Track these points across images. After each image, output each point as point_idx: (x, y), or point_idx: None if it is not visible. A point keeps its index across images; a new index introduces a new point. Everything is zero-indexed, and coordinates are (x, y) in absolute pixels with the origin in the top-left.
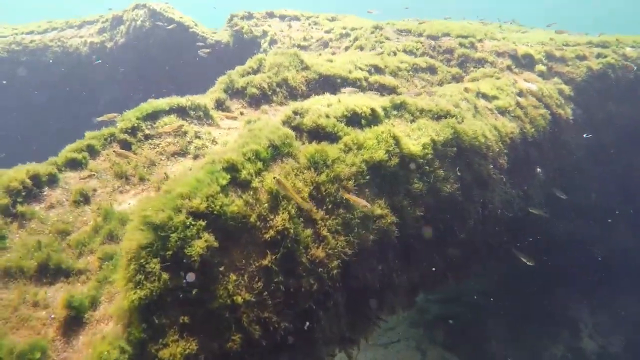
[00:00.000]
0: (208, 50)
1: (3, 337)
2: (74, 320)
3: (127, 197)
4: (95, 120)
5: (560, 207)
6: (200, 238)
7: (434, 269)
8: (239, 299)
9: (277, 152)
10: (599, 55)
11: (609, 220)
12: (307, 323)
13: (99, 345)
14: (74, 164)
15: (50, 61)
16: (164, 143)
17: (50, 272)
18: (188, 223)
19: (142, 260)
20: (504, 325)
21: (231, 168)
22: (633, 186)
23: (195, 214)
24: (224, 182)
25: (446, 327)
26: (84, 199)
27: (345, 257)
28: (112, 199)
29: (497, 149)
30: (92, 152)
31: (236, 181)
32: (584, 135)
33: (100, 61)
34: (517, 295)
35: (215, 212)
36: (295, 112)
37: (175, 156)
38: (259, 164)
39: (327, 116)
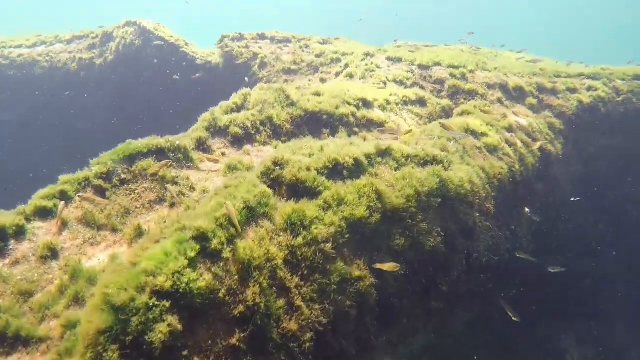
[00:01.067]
0: (199, 74)
1: None
2: None
3: (97, 250)
4: None
5: (548, 241)
6: (164, 321)
7: (415, 324)
8: None
9: (252, 214)
10: (589, 88)
11: (599, 249)
12: None
13: None
14: (44, 213)
15: (38, 76)
16: (140, 189)
17: (8, 341)
18: (151, 304)
19: (99, 348)
20: (490, 356)
21: (201, 237)
22: (622, 218)
23: (160, 294)
24: (193, 254)
25: (431, 357)
26: (51, 253)
27: (319, 328)
28: (81, 252)
29: (484, 194)
30: (65, 198)
31: (206, 251)
32: (572, 199)
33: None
34: (504, 326)
35: (181, 290)
36: (275, 163)
37: (152, 204)
38: (232, 230)
39: (308, 169)
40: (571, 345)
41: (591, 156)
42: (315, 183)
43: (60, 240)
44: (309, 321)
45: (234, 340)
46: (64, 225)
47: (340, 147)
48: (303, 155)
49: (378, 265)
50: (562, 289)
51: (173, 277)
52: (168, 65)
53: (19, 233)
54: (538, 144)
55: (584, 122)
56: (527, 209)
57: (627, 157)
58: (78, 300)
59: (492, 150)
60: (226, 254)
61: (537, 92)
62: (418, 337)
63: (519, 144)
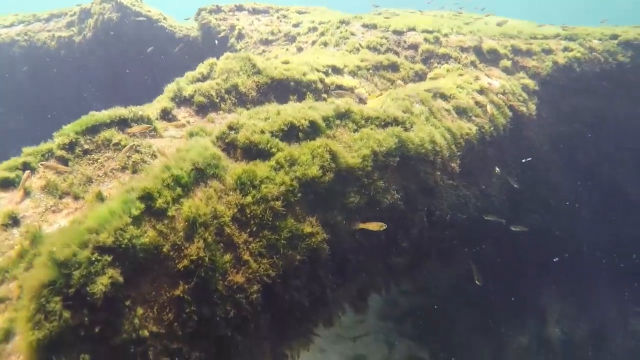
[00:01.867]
0: (180, 46)
1: None
2: None
3: (59, 217)
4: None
5: (523, 199)
6: (105, 274)
7: (374, 278)
8: (145, 332)
9: (201, 175)
10: (565, 49)
11: (576, 209)
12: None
13: None
14: (6, 184)
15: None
16: (103, 158)
17: None
18: (93, 259)
19: (42, 300)
20: (472, 316)
21: (147, 197)
22: (599, 179)
23: (102, 249)
24: (137, 212)
25: (415, 320)
26: (12, 221)
27: (268, 280)
28: (43, 219)
29: (448, 154)
30: (28, 169)
31: (151, 210)
32: (523, 160)
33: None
34: (486, 286)
35: (123, 245)
36: (230, 128)
37: (114, 172)
38: (179, 190)
39: (262, 131)
40: (552, 301)
41: (566, 116)
42: (269, 145)
43: (22, 208)
44: (257, 274)
45: (177, 292)
46: (27, 194)
47: (297, 110)
48: (259, 119)
49: (362, 225)
50: (541, 249)
51: (115, 234)
52: (146, 39)
53: None
54: (509, 104)
55: (559, 82)
56: (497, 169)
57: (602, 117)
58: None
59: (461, 112)
60: (171, 212)
61: (512, 55)
62: (397, 299)
63: (489, 105)
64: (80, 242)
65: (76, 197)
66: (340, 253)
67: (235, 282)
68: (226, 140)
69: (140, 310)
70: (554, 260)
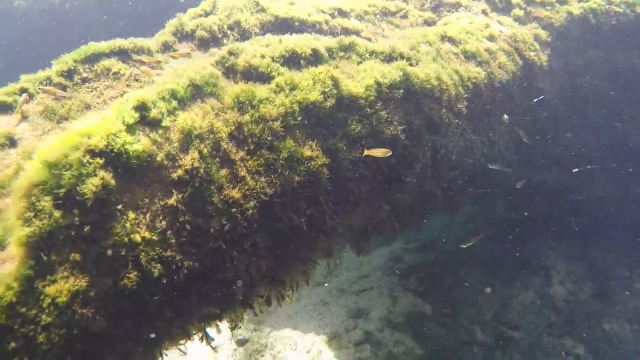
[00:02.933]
0: None
1: None
2: None
3: None
4: None
5: (533, 154)
6: (96, 176)
7: (378, 213)
8: (137, 237)
9: (198, 92)
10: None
11: (586, 165)
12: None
13: None
14: (4, 108)
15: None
16: (102, 87)
17: None
18: (84, 161)
19: (32, 198)
20: (476, 272)
21: (142, 107)
22: (609, 135)
23: (94, 152)
24: (131, 120)
25: (419, 275)
26: (9, 142)
27: (265, 198)
28: (40, 141)
29: (455, 93)
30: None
31: (146, 120)
32: (534, 100)
33: None
34: (492, 243)
35: (115, 150)
36: (230, 53)
37: (113, 100)
38: (174, 103)
39: (263, 56)
40: (558, 262)
41: (579, 69)
42: (269, 69)
43: (19, 130)
44: (254, 191)
45: (171, 201)
46: (24, 118)
47: (300, 39)
48: (260, 46)
49: (367, 152)
50: (549, 205)
51: (108, 138)
52: None
53: None
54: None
55: (573, 34)
56: (505, 116)
57: (615, 70)
58: None
59: (470, 56)
60: (166, 122)
61: (525, 4)
62: (402, 255)
63: (500, 52)
64: (71, 145)
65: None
66: (340, 181)
67: (231, 196)
68: (226, 65)
69: (132, 215)
70: (561, 212)
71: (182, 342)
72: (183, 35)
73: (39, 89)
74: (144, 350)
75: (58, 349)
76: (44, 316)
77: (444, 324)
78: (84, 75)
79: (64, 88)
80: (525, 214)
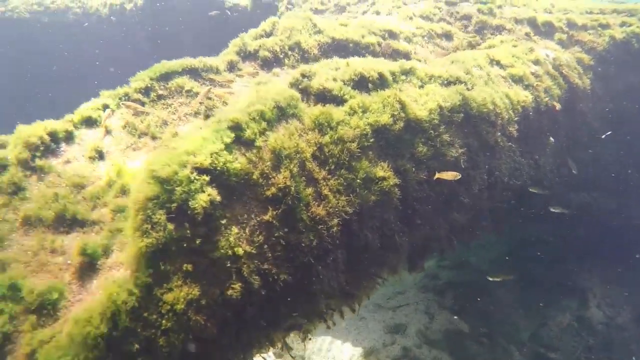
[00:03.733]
0: (216, 12)
1: (24, 278)
2: (88, 266)
3: (139, 154)
4: None
5: (575, 178)
6: (204, 192)
7: (438, 231)
8: (240, 251)
9: (282, 113)
10: (623, 24)
11: (624, 189)
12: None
13: (109, 287)
14: (89, 122)
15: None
16: (176, 104)
17: (66, 222)
18: (192, 177)
19: (148, 211)
20: (512, 292)
21: (236, 127)
22: None
23: (200, 170)
24: (229, 140)
25: (455, 293)
26: (98, 155)
27: (345, 216)
28: (125, 156)
29: (507, 117)
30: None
31: (240, 140)
32: (603, 136)
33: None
34: (528, 264)
35: (218, 168)
36: (303, 75)
37: (187, 116)
38: (264, 124)
39: (335, 79)
40: (595, 285)
41: (620, 93)
42: (342, 92)
43: (105, 144)
44: (336, 209)
45: (267, 217)
46: (108, 132)
47: (365, 62)
48: (330, 69)
49: (438, 175)
50: (586, 228)
51: (211, 157)
52: (197, 8)
53: (69, 138)
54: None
55: (615, 58)
56: (552, 139)
57: None
58: (124, 192)
59: (517, 80)
60: (259, 142)
61: (567, 28)
62: (437, 272)
63: (545, 76)
64: (179, 162)
65: (153, 137)
66: (408, 201)
67: (318, 214)
68: (300, 87)
69: (235, 230)
70: (598, 236)
71: (265, 350)
72: (246, 55)
73: (122, 103)
74: (244, 356)
75: (177, 352)
76: (164, 321)
77: (481, 342)
78: (159, 92)
79: (141, 104)
80: (561, 235)
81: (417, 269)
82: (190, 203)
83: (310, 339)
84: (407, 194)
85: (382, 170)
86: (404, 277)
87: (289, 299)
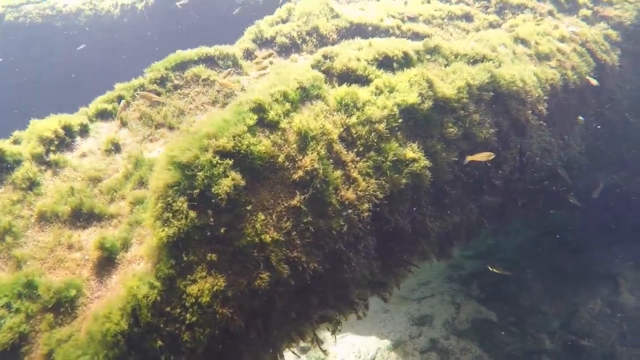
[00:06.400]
0: (238, 10)
1: (41, 275)
2: (107, 261)
3: (156, 145)
4: None
5: (604, 158)
6: (227, 176)
7: (469, 215)
8: (267, 238)
9: (305, 94)
10: None
11: None
12: (337, 264)
13: (129, 281)
14: (104, 115)
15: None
16: (193, 93)
17: (83, 217)
18: (215, 162)
19: (169, 199)
20: (540, 280)
21: (258, 109)
22: None
23: (222, 153)
24: (251, 122)
25: (481, 282)
26: (114, 147)
27: (376, 200)
28: (142, 147)
29: (537, 95)
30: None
31: (264, 122)
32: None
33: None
34: (554, 251)
35: (242, 151)
36: (325, 56)
37: (205, 105)
38: (287, 105)
39: (358, 59)
40: (625, 269)
41: None
42: (366, 71)
43: (121, 136)
44: (366, 192)
45: (294, 202)
46: (124, 124)
47: (388, 42)
48: (352, 49)
49: (470, 158)
50: (615, 211)
51: (234, 139)
52: (207, 2)
53: (84, 131)
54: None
55: None
56: (581, 118)
57: None
58: (142, 184)
59: (544, 57)
60: (283, 124)
61: (592, 4)
62: (462, 262)
63: (572, 53)
64: (200, 147)
65: (171, 128)
66: (438, 184)
67: (347, 198)
68: (322, 68)
69: (261, 216)
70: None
71: (295, 345)
72: (262, 42)
73: (137, 94)
74: (273, 351)
75: (202, 348)
76: (188, 315)
77: (510, 332)
78: (175, 82)
79: (157, 94)
80: (590, 218)
81: (446, 255)
82: (213, 189)
83: (340, 330)
84: (437, 177)
85: (412, 151)
86: (430, 267)
87: (319, 289)
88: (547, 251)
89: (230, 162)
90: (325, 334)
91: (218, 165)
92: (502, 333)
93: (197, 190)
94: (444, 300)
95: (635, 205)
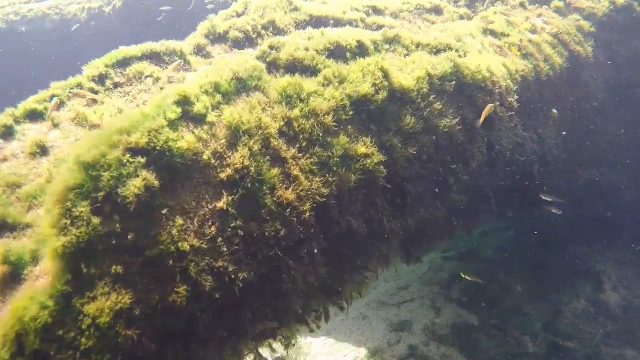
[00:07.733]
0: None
1: None
2: (13, 277)
3: None
4: None
5: (581, 153)
6: (138, 176)
7: (434, 214)
8: (186, 246)
9: (242, 85)
10: None
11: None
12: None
13: (18, 301)
14: (34, 116)
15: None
16: (135, 91)
17: None
18: (124, 160)
19: (68, 203)
20: (522, 280)
21: (184, 101)
22: None
23: (134, 150)
24: (173, 115)
25: (462, 285)
26: (41, 150)
27: (320, 199)
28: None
29: (505, 85)
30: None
31: (188, 115)
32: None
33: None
34: (535, 249)
35: (158, 147)
36: (271, 47)
37: (147, 104)
38: (218, 97)
39: (307, 49)
40: (608, 267)
41: (624, 61)
42: (314, 61)
43: (50, 138)
44: (309, 192)
45: (221, 204)
46: (55, 125)
47: (343, 31)
48: (302, 39)
49: (481, 120)
50: (595, 207)
51: (149, 135)
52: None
53: (8, 134)
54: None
55: (617, 23)
56: (555, 110)
57: None
58: None
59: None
60: (211, 117)
61: None
62: (442, 264)
63: (544, 44)
64: (109, 143)
65: None
66: (396, 181)
67: (285, 197)
68: (267, 59)
69: (179, 221)
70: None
71: None
72: (215, 37)
73: (70, 92)
74: None
75: None
76: (83, 339)
77: (492, 335)
78: (116, 79)
79: (95, 93)
80: (570, 214)
81: (413, 259)
82: (119, 190)
83: (294, 344)
84: (395, 173)
85: (363, 146)
86: (405, 270)
87: (253, 301)
88: (529, 250)
89: (143, 160)
90: (297, 346)
91: (128, 164)
92: (483, 337)
93: (102, 193)
94: (423, 304)
95: (615, 201)
